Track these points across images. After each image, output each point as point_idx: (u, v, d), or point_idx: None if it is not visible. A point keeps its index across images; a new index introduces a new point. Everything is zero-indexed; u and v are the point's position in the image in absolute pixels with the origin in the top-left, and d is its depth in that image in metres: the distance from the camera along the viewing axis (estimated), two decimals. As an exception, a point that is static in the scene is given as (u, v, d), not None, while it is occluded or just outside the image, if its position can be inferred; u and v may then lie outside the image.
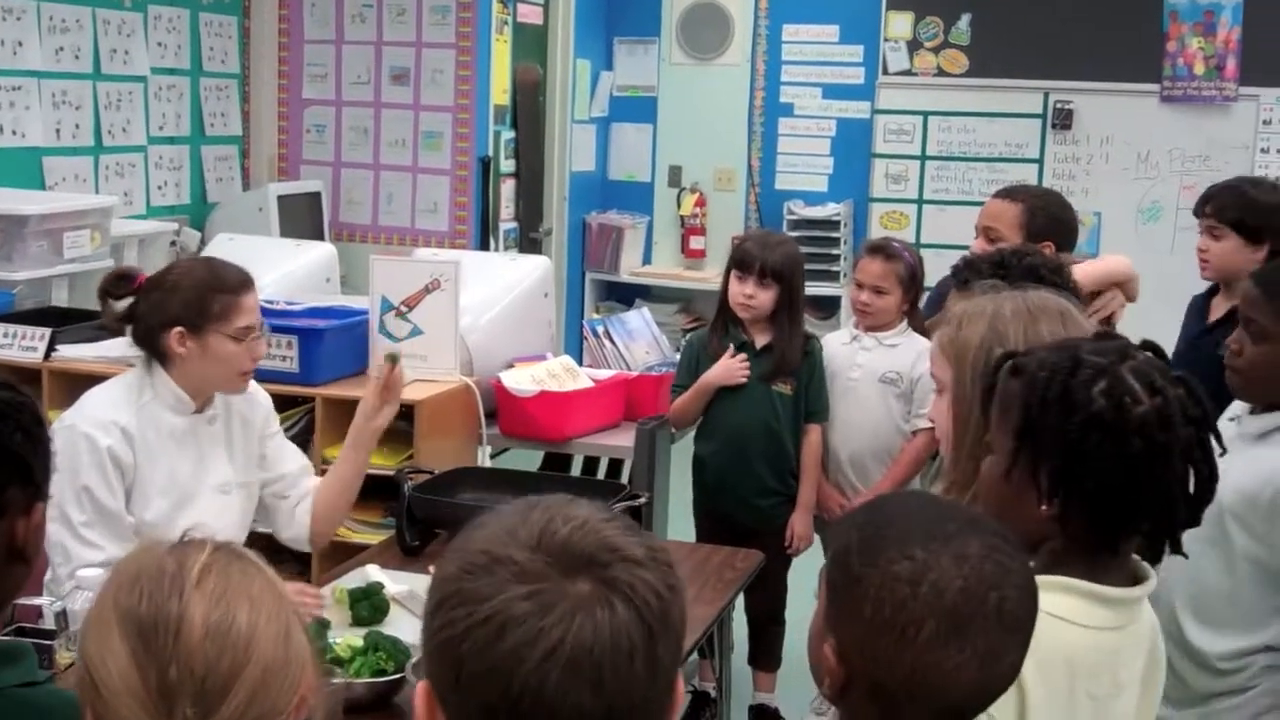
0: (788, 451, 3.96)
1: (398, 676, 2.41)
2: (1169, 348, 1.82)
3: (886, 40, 7.25)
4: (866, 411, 3.95)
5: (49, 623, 2.32)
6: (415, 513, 3.23)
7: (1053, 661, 1.54)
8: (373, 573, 2.98)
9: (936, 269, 4.13)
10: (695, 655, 3.44)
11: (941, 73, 7.19)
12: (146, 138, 5.66)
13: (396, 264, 3.99)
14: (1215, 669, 2.42)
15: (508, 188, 6.77)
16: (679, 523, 4.10)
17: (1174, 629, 2.44)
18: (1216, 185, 3.70)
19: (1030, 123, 7.06)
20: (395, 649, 2.46)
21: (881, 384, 3.94)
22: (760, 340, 3.95)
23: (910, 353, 3.93)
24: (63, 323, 4.01)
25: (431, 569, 3.04)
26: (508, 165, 6.74)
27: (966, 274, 2.48)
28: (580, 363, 4.31)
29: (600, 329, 4.40)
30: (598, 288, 7.73)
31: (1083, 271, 2.57)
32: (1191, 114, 6.78)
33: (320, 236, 6.11)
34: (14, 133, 4.97)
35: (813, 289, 5.99)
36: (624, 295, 7.72)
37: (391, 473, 3.49)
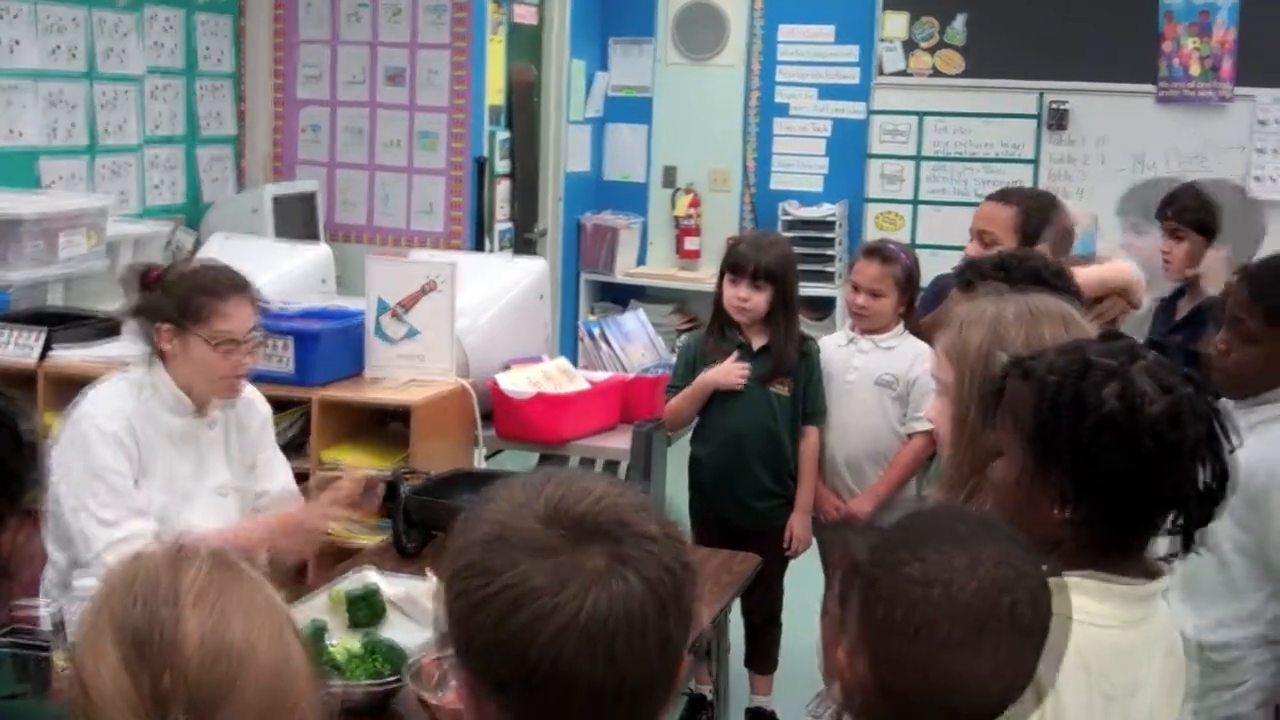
0: (786, 453, 3.95)
1: (395, 680, 2.40)
2: None
3: (882, 41, 7.24)
4: (863, 414, 3.95)
5: (46, 629, 2.31)
6: (412, 515, 3.22)
7: (1066, 661, 1.54)
8: (369, 575, 2.97)
9: (932, 270, 4.14)
10: (691, 657, 3.43)
11: (937, 73, 7.19)
12: (141, 138, 5.64)
13: (393, 265, 3.99)
14: (1211, 662, 2.44)
15: (503, 188, 6.76)
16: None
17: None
18: (1174, 189, 3.80)
19: (1026, 123, 7.06)
20: (393, 653, 2.46)
21: (878, 386, 3.94)
22: (756, 342, 3.95)
23: (907, 355, 3.93)
24: (58, 324, 4.00)
25: (429, 572, 3.04)
26: (503, 166, 6.73)
27: (969, 275, 2.48)
28: (575, 364, 4.31)
29: (596, 331, 4.39)
30: (592, 288, 7.73)
31: (1085, 277, 2.58)
32: (1187, 114, 6.78)
33: (315, 237, 6.10)
34: (10, 132, 4.96)
35: (807, 290, 5.99)
36: (619, 296, 7.72)
37: (388, 475, 3.48)
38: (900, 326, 3.97)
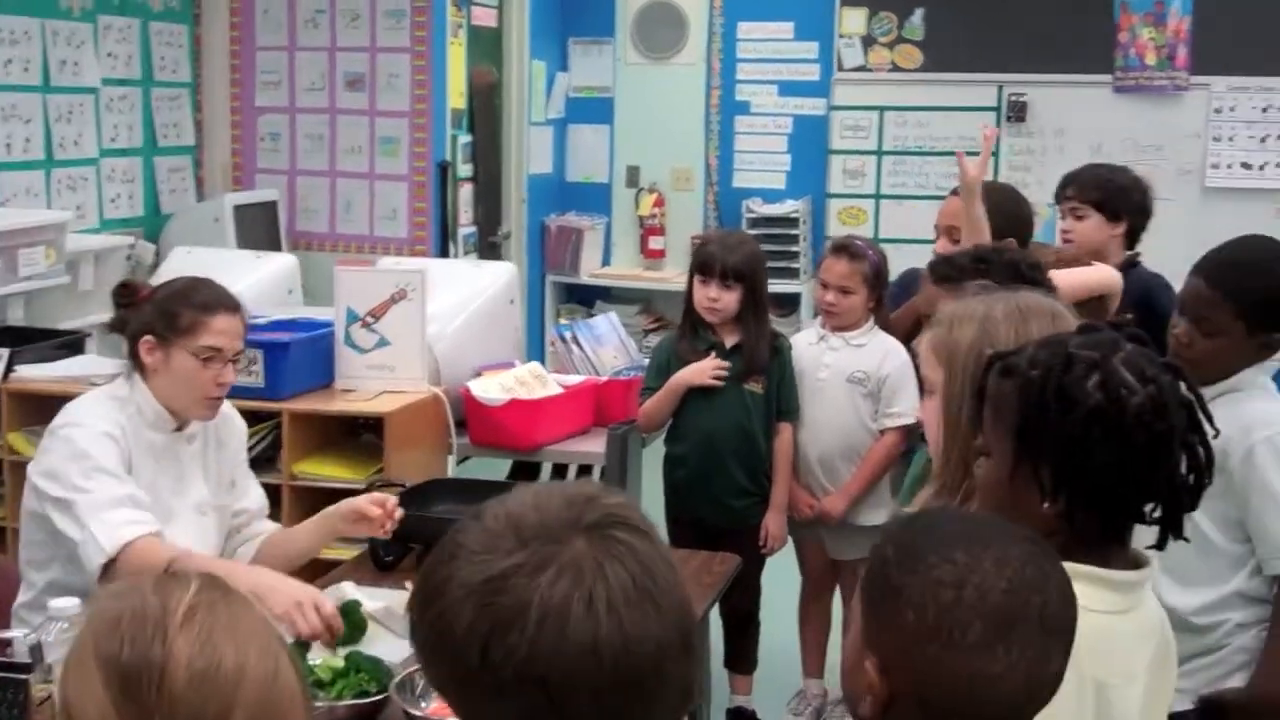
0: (760, 451, 3.95)
1: (381, 697, 2.38)
2: None
3: (841, 36, 7.25)
4: (835, 411, 3.95)
5: (21, 656, 2.27)
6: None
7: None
8: (348, 590, 2.94)
9: (896, 264, 4.14)
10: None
11: (896, 68, 7.21)
12: (98, 150, 5.59)
13: (361, 274, 3.96)
14: (1193, 627, 2.48)
15: (466, 192, 6.73)
16: (651, 526, 4.08)
17: None
18: (1073, 171, 3.88)
19: (985, 116, 7.07)
20: (377, 669, 2.44)
21: (849, 383, 3.94)
22: (728, 341, 3.95)
23: (877, 352, 3.94)
24: (20, 342, 3.95)
25: (408, 584, 3.01)
26: (465, 169, 6.70)
27: (947, 271, 2.48)
28: (543, 366, 4.29)
29: (568, 334, 4.38)
30: (557, 290, 7.71)
31: (1068, 280, 2.59)
32: (1144, 104, 6.83)
33: (277, 246, 6.06)
34: (-36, 148, 4.91)
35: (773, 286, 5.93)
36: (584, 297, 7.70)
37: (362, 486, 3.46)
38: (870, 323, 3.98)
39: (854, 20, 7.23)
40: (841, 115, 7.29)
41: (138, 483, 2.75)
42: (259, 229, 5.98)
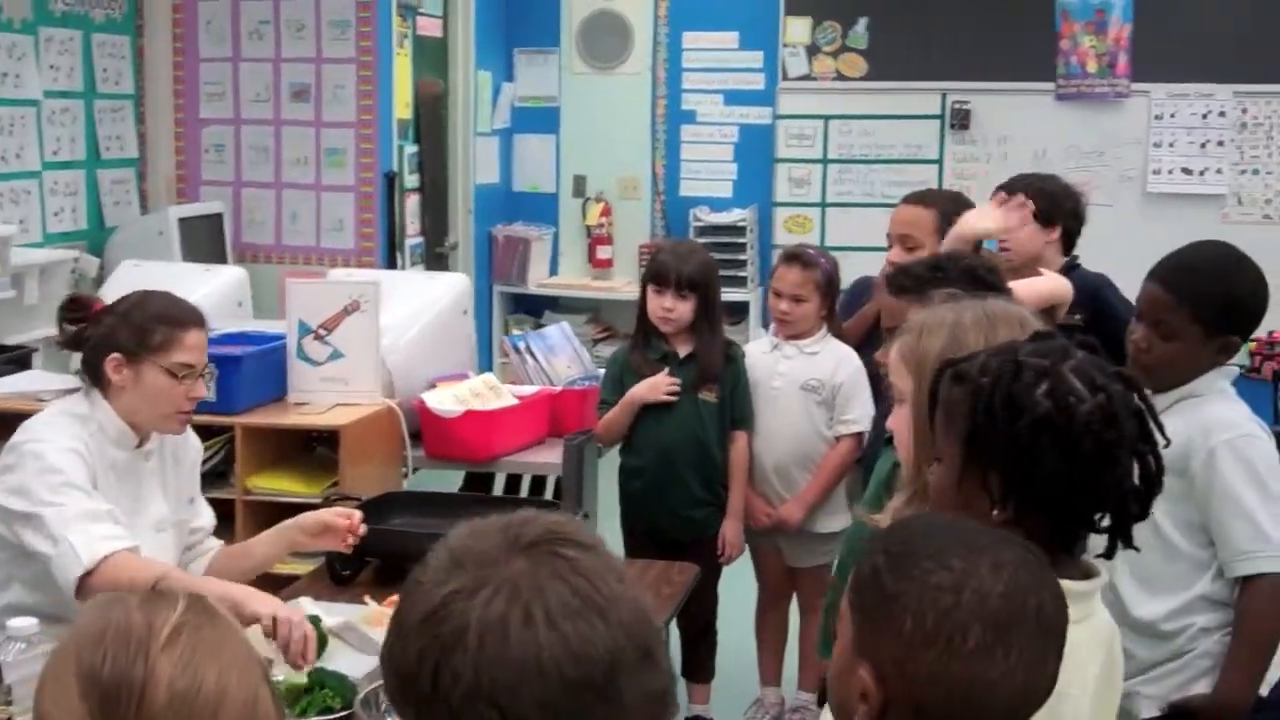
0: (715, 460, 3.96)
1: (346, 713, 2.36)
2: None
3: (785, 46, 7.29)
4: (790, 420, 3.97)
5: (-19, 676, 2.24)
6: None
7: None
8: (306, 605, 2.91)
9: (843, 271, 4.16)
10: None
11: (840, 77, 7.25)
12: (41, 163, 5.51)
13: (313, 286, 3.93)
14: (1160, 633, 2.51)
15: (413, 203, 6.71)
16: (606, 537, 4.07)
17: (1115, 602, 2.50)
18: (1003, 183, 3.94)
19: (929, 124, 7.15)
20: (342, 685, 2.42)
21: (804, 391, 3.96)
22: (682, 350, 3.95)
23: (831, 360, 3.95)
24: (-35, 358, 3.90)
25: (367, 598, 2.98)
26: (412, 180, 6.68)
27: (905, 282, 2.49)
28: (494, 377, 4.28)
29: (521, 344, 4.37)
30: (505, 300, 7.69)
31: (1024, 292, 2.60)
32: (1086, 111, 6.91)
33: (223, 259, 6.01)
34: (-96, 162, 4.83)
35: (721, 294, 6.00)
36: (532, 307, 7.69)
37: (318, 501, 3.43)
38: (823, 330, 4.00)
39: (798, 29, 7.27)
40: (787, 124, 7.33)
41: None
42: (204, 242, 5.92)
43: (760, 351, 4.09)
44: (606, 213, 7.58)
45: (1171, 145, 6.81)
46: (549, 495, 4.23)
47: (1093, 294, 3.50)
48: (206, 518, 3.07)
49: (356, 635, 2.77)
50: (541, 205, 7.76)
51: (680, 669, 4.11)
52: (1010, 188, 3.85)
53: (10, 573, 2.73)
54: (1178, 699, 2.50)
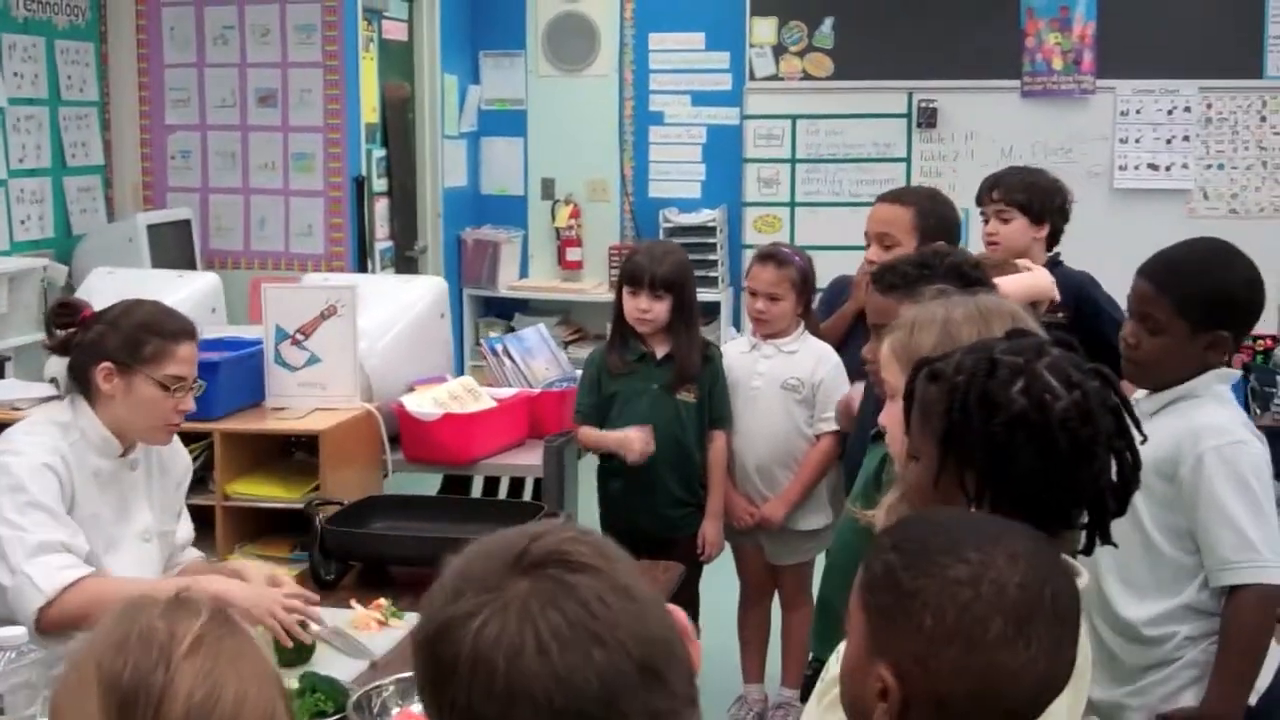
0: (694, 460, 3.96)
1: (338, 717, 2.35)
2: None
3: (752, 46, 7.31)
4: (770, 419, 3.97)
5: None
6: (328, 545, 3.16)
7: None
8: (292, 610, 2.90)
9: (815, 271, 4.16)
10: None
11: (807, 76, 7.28)
12: (7, 171, 5.46)
13: (289, 291, 3.91)
14: (1143, 638, 2.49)
15: (381, 207, 6.69)
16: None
17: (1102, 603, 2.51)
18: (997, 173, 3.94)
19: (896, 122, 7.18)
20: (334, 689, 2.40)
21: (784, 390, 3.96)
22: (659, 351, 3.95)
23: (809, 358, 3.96)
24: (-64, 368, 3.86)
25: (353, 602, 2.97)
26: (380, 184, 6.66)
27: (892, 279, 2.49)
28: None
29: (499, 347, 4.35)
30: (476, 303, 7.67)
31: (1010, 288, 2.59)
32: (1052, 108, 6.96)
33: (192, 265, 5.97)
34: None
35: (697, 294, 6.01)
36: (503, 310, 7.68)
37: (299, 506, 3.42)
38: (801, 329, 4.00)
39: (764, 30, 7.29)
40: (754, 124, 7.34)
41: (80, 512, 2.68)
42: (173, 248, 5.88)
43: (739, 351, 4.09)
44: (576, 215, 7.58)
45: (1137, 141, 6.88)
46: (528, 497, 4.21)
47: (1076, 292, 3.50)
48: (185, 531, 3.05)
49: (343, 639, 2.76)
50: (510, 208, 7.75)
51: (662, 669, 4.10)
52: (1000, 181, 3.87)
53: None
54: (1165, 711, 2.47)
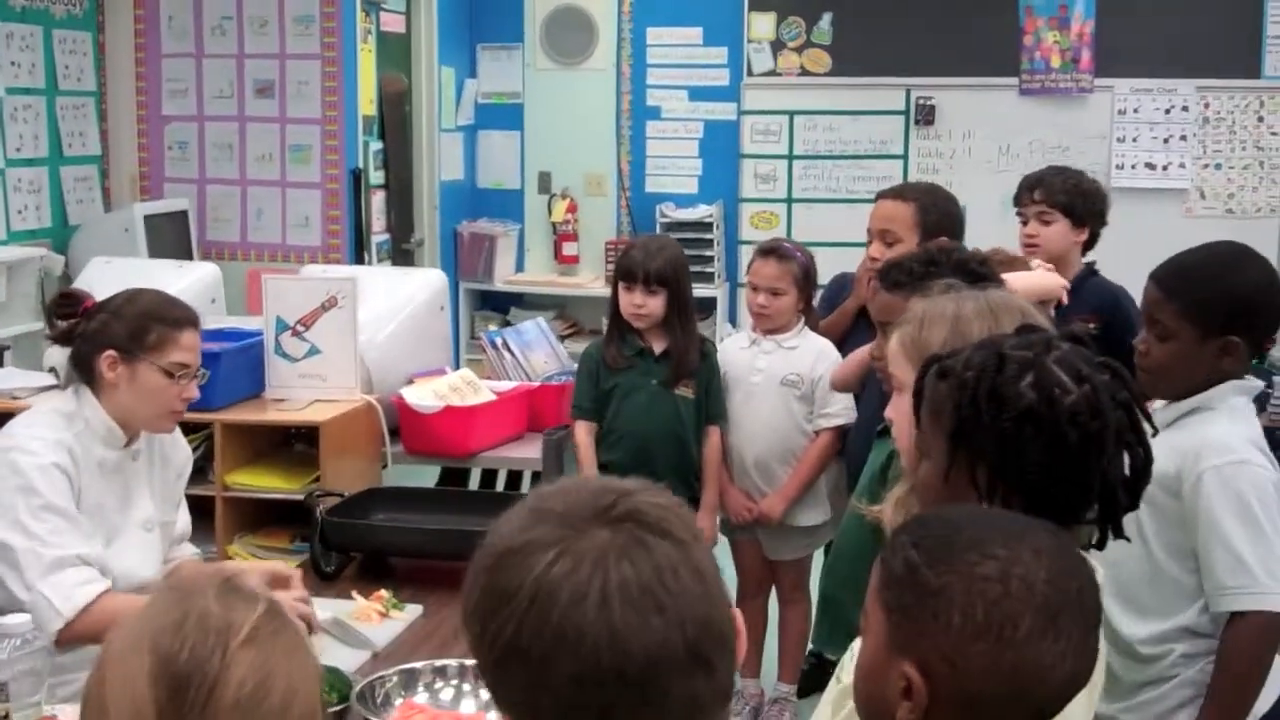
0: (692, 455, 3.96)
1: (342, 707, 2.34)
2: None
3: (750, 41, 7.30)
4: (770, 415, 3.97)
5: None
6: (329, 537, 3.16)
7: None
8: (294, 601, 2.90)
9: (823, 268, 4.17)
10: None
11: (805, 72, 7.27)
12: (4, 160, 5.45)
13: (290, 283, 3.90)
14: (1140, 656, 2.45)
15: (378, 199, 6.67)
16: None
17: (1102, 619, 2.48)
18: (1038, 172, 3.86)
19: (894, 119, 7.18)
20: (338, 679, 2.40)
21: (783, 386, 3.96)
22: (657, 346, 3.95)
23: (809, 354, 3.96)
24: (-65, 357, 3.85)
25: (354, 593, 2.96)
26: (377, 176, 6.65)
27: (899, 276, 2.49)
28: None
29: (498, 340, 4.35)
30: (472, 297, 7.66)
31: (1021, 284, 2.57)
32: (1049, 106, 6.96)
33: (189, 256, 5.96)
34: None
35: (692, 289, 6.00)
36: (498, 304, 7.67)
37: (299, 497, 3.41)
38: (801, 324, 4.00)
39: (762, 25, 7.29)
40: (752, 120, 7.34)
41: (85, 502, 2.67)
42: (170, 239, 5.87)
43: (739, 347, 4.09)
44: (572, 209, 7.56)
45: (1135, 140, 6.88)
46: (525, 489, 4.21)
47: (1111, 303, 3.45)
48: (182, 522, 3.04)
49: (344, 630, 2.75)
50: (506, 202, 7.73)
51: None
52: (1042, 181, 3.78)
53: None
54: None
